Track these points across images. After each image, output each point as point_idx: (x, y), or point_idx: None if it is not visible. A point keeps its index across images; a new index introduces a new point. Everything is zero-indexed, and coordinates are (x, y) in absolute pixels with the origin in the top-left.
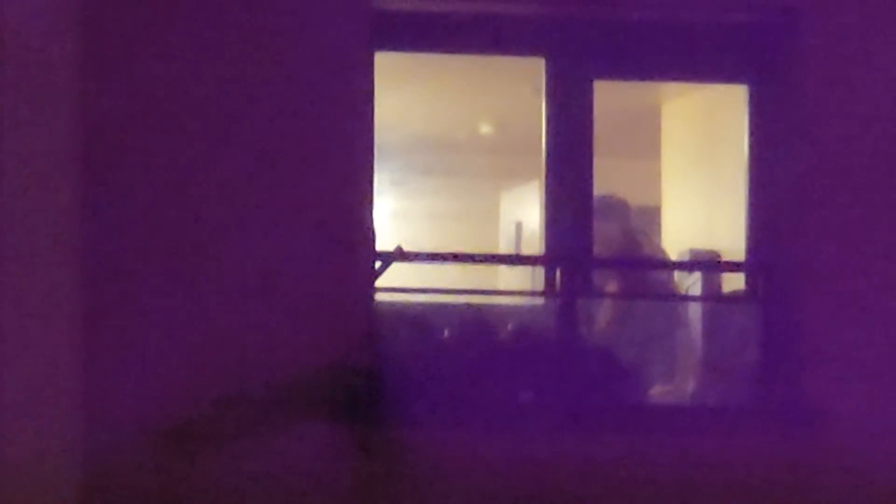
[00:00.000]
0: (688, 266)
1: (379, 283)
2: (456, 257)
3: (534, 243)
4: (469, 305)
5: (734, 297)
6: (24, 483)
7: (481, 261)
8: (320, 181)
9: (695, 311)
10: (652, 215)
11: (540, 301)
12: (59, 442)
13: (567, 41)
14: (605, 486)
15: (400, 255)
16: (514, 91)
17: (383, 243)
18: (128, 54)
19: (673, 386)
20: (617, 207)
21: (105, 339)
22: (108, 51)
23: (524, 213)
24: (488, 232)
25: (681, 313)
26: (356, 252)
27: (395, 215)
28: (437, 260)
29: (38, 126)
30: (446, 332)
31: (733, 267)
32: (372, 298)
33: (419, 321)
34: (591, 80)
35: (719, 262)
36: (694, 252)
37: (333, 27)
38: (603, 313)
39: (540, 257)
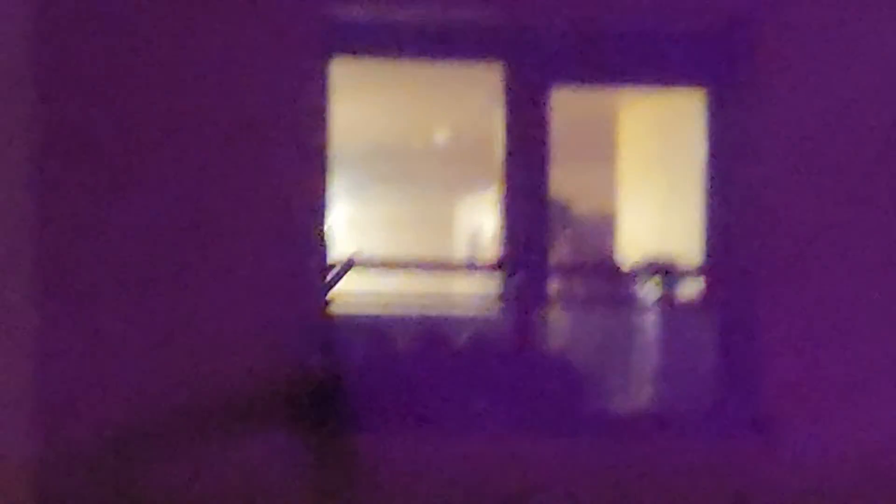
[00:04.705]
0: (644, 273)
1: (335, 290)
2: (412, 265)
3: (490, 251)
4: (425, 313)
5: (691, 305)
6: None
7: (437, 268)
8: (276, 189)
9: (651, 319)
10: (608, 222)
11: (496, 308)
12: (12, 451)
13: (524, 48)
14: (562, 494)
15: (356, 262)
16: (470, 98)
17: (340, 251)
18: (82, 65)
19: (630, 393)
20: (559, 211)
21: (59, 348)
22: (62, 58)
23: (480, 221)
24: (444, 239)
25: (637, 321)
26: (312, 260)
27: (351, 223)
28: (394, 267)
29: None
30: (402, 340)
31: (690, 274)
32: (328, 306)
33: (375, 329)
34: (548, 87)
35: (676, 268)
36: (651, 259)
37: (289, 34)
38: (559, 320)
39: (496, 265)
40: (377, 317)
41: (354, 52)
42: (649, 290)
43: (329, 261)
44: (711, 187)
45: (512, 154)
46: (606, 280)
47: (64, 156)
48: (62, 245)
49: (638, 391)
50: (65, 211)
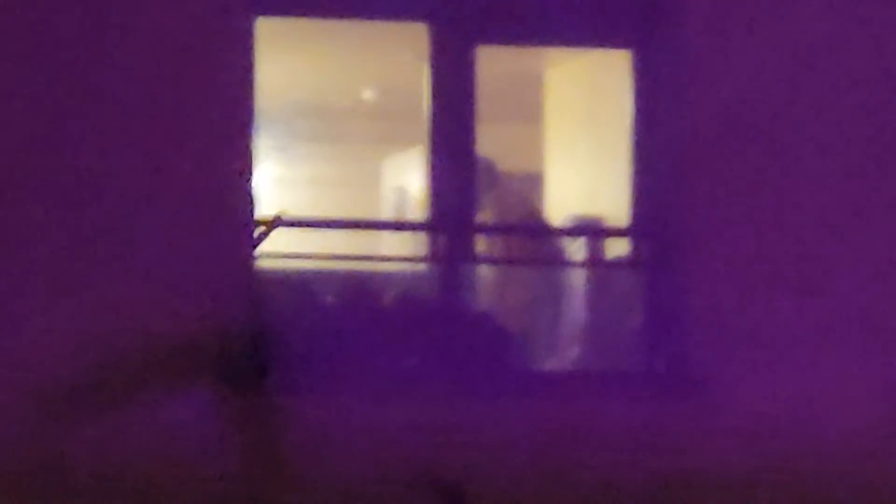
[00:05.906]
0: (572, 232)
1: (261, 249)
2: (338, 223)
3: (416, 209)
4: (352, 272)
5: (618, 263)
6: None
7: (364, 227)
8: (201, 148)
9: (579, 277)
10: (535, 181)
11: (422, 267)
12: None
13: (450, 6)
14: (489, 452)
15: (282, 221)
16: (396, 57)
17: (265, 210)
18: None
19: (558, 351)
20: (485, 169)
21: None
22: None
23: (406, 179)
24: (371, 198)
25: (565, 279)
26: (238, 219)
27: (277, 181)
28: (320, 226)
29: None
30: (329, 299)
31: (617, 232)
32: (254, 265)
33: (302, 288)
34: (474, 46)
35: (603, 227)
36: (578, 218)
37: None
38: (486, 279)
39: (422, 223)
40: (304, 275)
41: (281, 11)
42: (577, 249)
43: (256, 219)
44: (638, 146)
45: (439, 112)
46: (534, 238)
47: None
48: None
49: (566, 349)
50: None
